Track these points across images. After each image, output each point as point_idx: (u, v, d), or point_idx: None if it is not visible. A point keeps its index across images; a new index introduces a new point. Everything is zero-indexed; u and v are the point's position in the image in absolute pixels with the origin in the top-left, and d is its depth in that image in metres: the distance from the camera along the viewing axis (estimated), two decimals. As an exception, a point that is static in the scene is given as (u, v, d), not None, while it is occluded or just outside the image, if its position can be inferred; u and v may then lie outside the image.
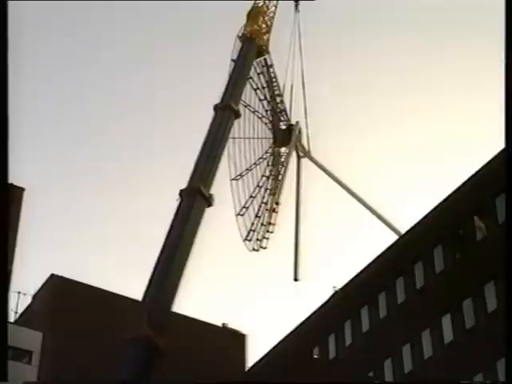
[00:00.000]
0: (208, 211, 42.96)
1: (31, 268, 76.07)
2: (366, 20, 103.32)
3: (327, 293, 51.12)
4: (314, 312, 51.85)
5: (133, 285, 76.40)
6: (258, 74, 57.60)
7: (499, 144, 36.78)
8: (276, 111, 59.64)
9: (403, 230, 49.46)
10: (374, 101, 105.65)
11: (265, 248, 55.78)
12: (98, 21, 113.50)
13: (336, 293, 50.63)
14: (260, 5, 57.83)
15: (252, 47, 54.78)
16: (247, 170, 56.80)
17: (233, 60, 53.38)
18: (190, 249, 40.42)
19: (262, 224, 56.24)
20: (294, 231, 57.33)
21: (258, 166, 57.80)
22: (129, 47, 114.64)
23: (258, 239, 55.64)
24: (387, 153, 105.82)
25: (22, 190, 48.19)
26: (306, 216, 57.87)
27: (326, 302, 51.18)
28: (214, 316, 72.52)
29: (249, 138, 57.45)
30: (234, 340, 72.46)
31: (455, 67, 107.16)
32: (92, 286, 66.32)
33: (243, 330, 73.95)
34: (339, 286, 50.54)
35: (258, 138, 58.41)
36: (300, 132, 59.89)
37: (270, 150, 59.16)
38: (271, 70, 58.08)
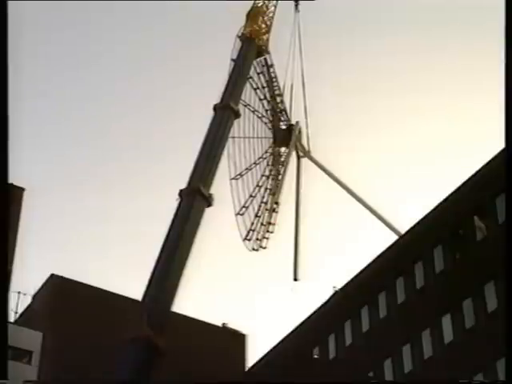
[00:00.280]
0: (208, 211, 43.02)
1: (31, 268, 76.17)
2: (365, 20, 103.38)
3: (327, 293, 51.21)
4: (314, 312, 51.85)
5: (133, 285, 76.41)
6: (258, 73, 57.65)
7: (499, 144, 36.75)
8: (276, 111, 59.68)
9: (403, 230, 49.47)
10: (374, 101, 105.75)
11: (264, 248, 55.80)
12: (98, 21, 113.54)
13: (336, 293, 50.63)
14: (260, 5, 57.90)
15: (252, 47, 54.84)
16: (247, 169, 56.82)
17: (232, 60, 53.43)
18: (189, 249, 40.48)
19: (262, 224, 56.25)
20: (294, 231, 57.37)
21: (257, 166, 57.85)
22: (129, 47, 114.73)
23: (257, 239, 55.65)
24: (387, 153, 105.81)
25: (22, 189, 48.17)
26: (305, 216, 57.92)
27: (325, 302, 51.18)
28: (213, 316, 72.59)
29: (249, 137, 57.48)
30: (234, 340, 72.42)
31: (455, 67, 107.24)
32: (92, 286, 66.29)
33: (243, 330, 73.97)
34: (339, 285, 50.57)
35: (257, 137, 58.44)
36: (300, 132, 59.91)
37: (269, 150, 59.18)
38: (271, 69, 58.13)
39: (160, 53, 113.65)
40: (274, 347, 54.24)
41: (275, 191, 57.57)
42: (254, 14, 56.84)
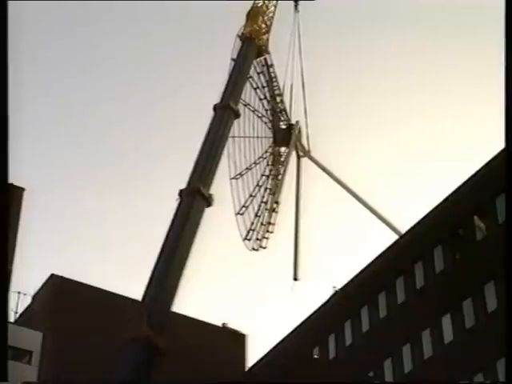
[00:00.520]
0: (208, 211, 42.99)
1: (31, 268, 76.17)
2: (365, 20, 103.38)
3: (327, 293, 51.21)
4: (314, 312, 51.83)
5: (133, 285, 76.35)
6: (258, 73, 57.69)
7: (499, 144, 36.81)
8: (276, 111, 59.69)
9: (403, 230, 49.47)
10: (373, 101, 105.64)
11: (264, 247, 55.79)
12: (99, 21, 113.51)
13: (336, 293, 50.62)
14: (259, 5, 57.92)
15: (252, 47, 54.87)
16: (247, 169, 56.83)
17: (233, 59, 53.44)
18: (189, 249, 40.45)
19: (262, 223, 56.25)
20: (294, 231, 57.34)
21: (257, 166, 57.85)
22: (129, 47, 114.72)
23: (257, 239, 55.63)
24: (387, 152, 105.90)
25: (22, 190, 48.20)
26: (305, 216, 57.90)
27: (325, 302, 51.16)
28: (213, 316, 72.60)
29: (249, 137, 57.50)
30: (234, 340, 72.41)
31: (456, 68, 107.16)
32: (92, 286, 66.29)
33: (243, 330, 73.98)
34: (339, 286, 50.57)
35: (257, 137, 58.46)
36: (300, 132, 59.90)
37: (269, 150, 59.19)
38: (271, 69, 58.16)
39: (160, 53, 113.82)
40: (274, 347, 54.23)
41: (275, 191, 57.57)
42: (254, 14, 56.88)
